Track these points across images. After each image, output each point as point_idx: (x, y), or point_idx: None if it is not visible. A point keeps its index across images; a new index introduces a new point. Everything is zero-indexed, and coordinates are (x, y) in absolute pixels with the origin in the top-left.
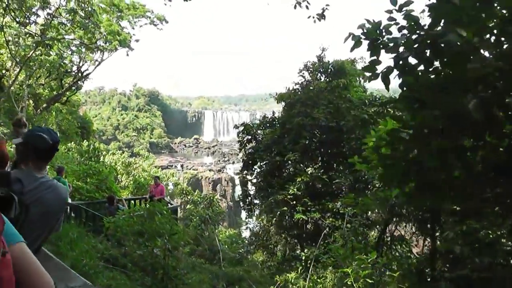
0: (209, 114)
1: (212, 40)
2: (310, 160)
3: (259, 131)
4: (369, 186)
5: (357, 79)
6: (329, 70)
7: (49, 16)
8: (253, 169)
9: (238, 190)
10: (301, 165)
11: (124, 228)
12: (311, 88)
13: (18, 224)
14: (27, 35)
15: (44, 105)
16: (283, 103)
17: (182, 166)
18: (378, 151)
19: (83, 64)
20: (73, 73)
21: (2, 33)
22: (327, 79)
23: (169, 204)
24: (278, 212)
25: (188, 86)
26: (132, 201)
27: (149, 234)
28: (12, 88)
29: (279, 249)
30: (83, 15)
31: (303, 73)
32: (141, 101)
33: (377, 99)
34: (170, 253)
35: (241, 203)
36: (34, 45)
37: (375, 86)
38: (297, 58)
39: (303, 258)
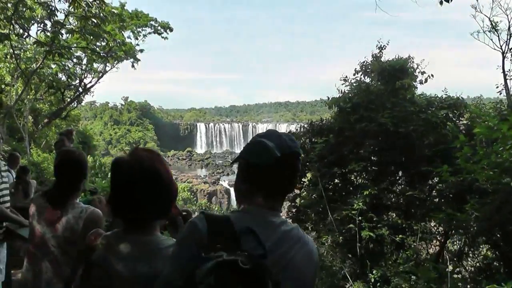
0: (202, 126)
1: (204, 50)
2: (374, 170)
3: (307, 140)
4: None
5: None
6: (387, 70)
7: (57, 24)
8: (301, 182)
9: (234, 202)
10: (365, 175)
11: None
12: (371, 90)
13: None
14: (35, 45)
15: (46, 120)
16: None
17: (175, 179)
18: None
19: (85, 76)
20: (74, 85)
21: (3, 45)
22: (385, 80)
23: None
24: (343, 230)
25: (179, 99)
26: None
27: None
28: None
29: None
30: (95, 22)
31: (358, 75)
32: (132, 115)
33: (444, 100)
34: None
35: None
36: (37, 57)
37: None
38: (283, 68)
39: (372, 280)
